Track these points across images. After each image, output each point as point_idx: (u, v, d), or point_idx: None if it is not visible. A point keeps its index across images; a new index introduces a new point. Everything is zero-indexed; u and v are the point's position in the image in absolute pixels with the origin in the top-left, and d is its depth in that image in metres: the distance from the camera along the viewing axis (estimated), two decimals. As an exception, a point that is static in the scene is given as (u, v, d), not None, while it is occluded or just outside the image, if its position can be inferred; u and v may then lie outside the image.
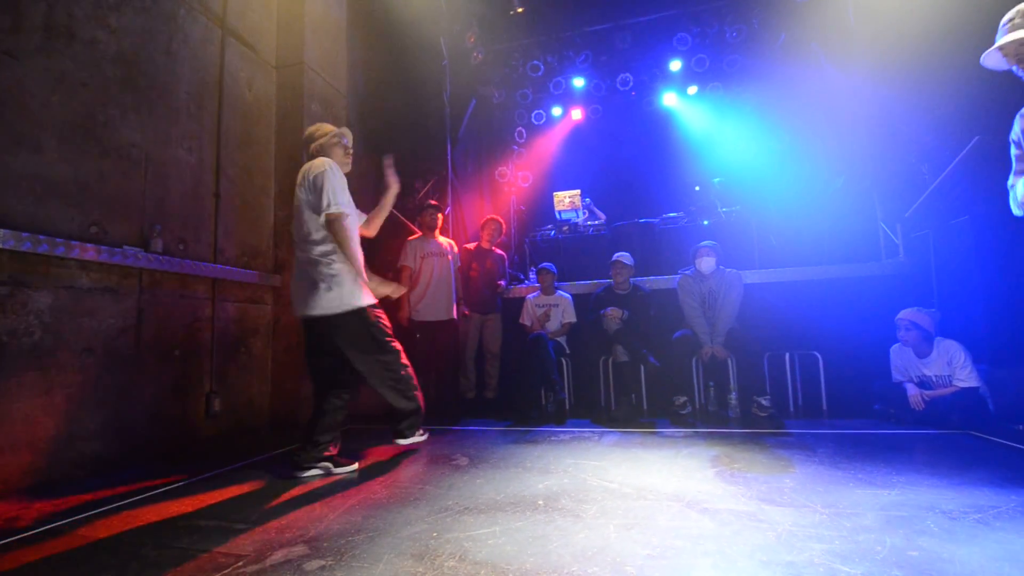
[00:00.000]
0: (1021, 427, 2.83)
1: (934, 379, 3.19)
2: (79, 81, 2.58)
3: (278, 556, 1.52)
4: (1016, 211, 1.94)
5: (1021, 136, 1.90)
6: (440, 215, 4.28)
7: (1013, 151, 1.94)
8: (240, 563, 1.48)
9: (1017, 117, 1.92)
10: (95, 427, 2.57)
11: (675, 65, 6.53)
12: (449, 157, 5.53)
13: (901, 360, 3.34)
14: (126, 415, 2.72)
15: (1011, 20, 1.74)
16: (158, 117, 3.00)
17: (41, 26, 2.42)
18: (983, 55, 1.80)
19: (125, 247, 2.70)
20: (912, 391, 3.19)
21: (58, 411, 2.41)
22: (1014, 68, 1.78)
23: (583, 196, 6.40)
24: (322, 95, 4.15)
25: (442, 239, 4.25)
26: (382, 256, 4.72)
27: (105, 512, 1.98)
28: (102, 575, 1.44)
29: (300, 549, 1.56)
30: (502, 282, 4.56)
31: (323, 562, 1.46)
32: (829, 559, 1.37)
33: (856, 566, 1.32)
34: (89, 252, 2.49)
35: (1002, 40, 1.75)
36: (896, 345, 3.37)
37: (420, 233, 4.24)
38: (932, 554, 1.38)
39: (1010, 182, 1.95)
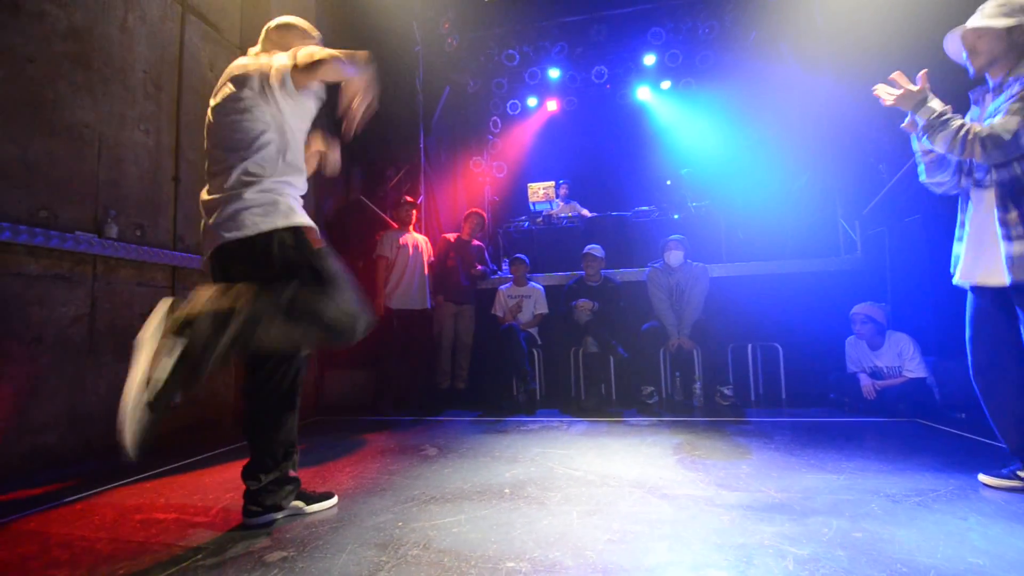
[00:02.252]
0: (963, 415, 2.99)
1: (885, 370, 3.34)
2: (26, 56, 2.43)
3: (239, 548, 1.50)
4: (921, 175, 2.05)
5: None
6: (415, 211, 4.35)
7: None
8: (199, 556, 1.45)
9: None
10: (47, 419, 2.47)
11: (649, 59, 6.57)
12: (422, 145, 5.46)
13: (855, 352, 3.49)
14: (80, 407, 2.62)
15: (982, 10, 1.76)
16: (113, 96, 2.86)
17: (-18, -4, 2.28)
18: (947, 36, 1.85)
19: (77, 232, 2.58)
20: (865, 381, 3.34)
21: (5, 403, 2.30)
22: (964, 56, 1.84)
23: (557, 186, 6.43)
24: (290, 78, 4.02)
25: (417, 235, 4.30)
26: (356, 245, 4.66)
27: (58, 506, 1.91)
28: (55, 571, 1.40)
29: (262, 541, 1.54)
30: (481, 267, 4.59)
31: (285, 553, 1.45)
32: (778, 541, 1.43)
33: (803, 547, 1.39)
34: (38, 238, 2.37)
35: (970, 24, 1.76)
36: (851, 337, 3.52)
37: (396, 226, 4.30)
38: (874, 535, 1.46)
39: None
